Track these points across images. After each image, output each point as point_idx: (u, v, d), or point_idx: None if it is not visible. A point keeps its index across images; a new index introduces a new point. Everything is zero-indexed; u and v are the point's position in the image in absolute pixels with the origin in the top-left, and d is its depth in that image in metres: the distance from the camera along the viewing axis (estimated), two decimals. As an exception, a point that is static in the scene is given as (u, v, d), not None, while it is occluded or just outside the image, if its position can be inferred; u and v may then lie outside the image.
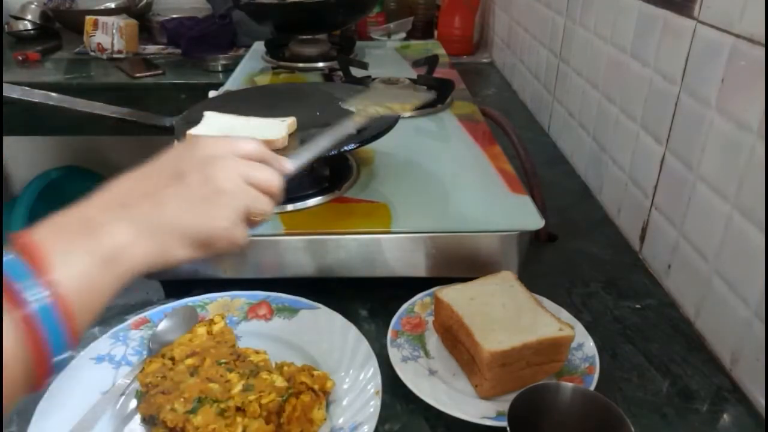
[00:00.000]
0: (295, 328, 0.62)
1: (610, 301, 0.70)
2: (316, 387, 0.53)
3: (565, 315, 0.62)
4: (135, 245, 0.35)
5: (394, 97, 0.72)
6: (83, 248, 0.33)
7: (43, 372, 0.32)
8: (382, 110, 0.63)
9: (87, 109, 0.75)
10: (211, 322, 0.61)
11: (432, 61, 1.14)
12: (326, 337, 0.60)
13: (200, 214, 0.38)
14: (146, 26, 1.84)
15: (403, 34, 1.81)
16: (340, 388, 0.55)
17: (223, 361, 0.55)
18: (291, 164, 0.46)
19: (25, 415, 0.51)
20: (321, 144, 0.52)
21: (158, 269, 0.37)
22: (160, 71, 1.54)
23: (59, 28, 1.90)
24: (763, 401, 0.55)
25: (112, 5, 1.90)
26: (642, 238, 0.78)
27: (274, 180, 0.43)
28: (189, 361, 0.55)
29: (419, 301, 0.64)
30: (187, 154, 0.40)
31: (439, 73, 1.14)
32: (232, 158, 0.41)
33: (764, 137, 0.54)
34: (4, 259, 0.31)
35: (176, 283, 0.69)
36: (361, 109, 0.62)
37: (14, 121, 1.43)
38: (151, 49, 1.75)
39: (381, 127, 0.68)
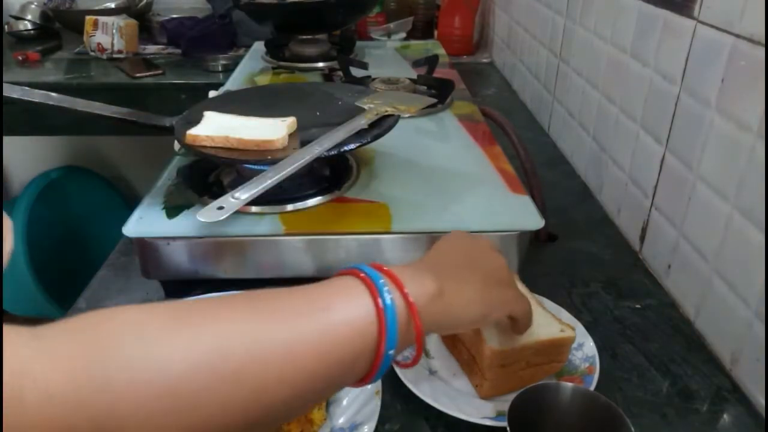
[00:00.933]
0: (295, 328, 0.62)
1: (610, 301, 0.70)
2: (316, 387, 0.53)
3: (565, 315, 0.62)
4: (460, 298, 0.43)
5: (400, 99, 0.77)
6: (420, 282, 0.41)
7: (377, 360, 0.37)
8: (390, 110, 0.71)
9: (87, 109, 0.75)
10: (211, 322, 0.60)
11: (432, 61, 1.14)
12: (326, 337, 0.60)
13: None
14: (146, 26, 1.83)
15: (403, 34, 1.81)
16: (340, 388, 0.55)
17: (223, 361, 0.55)
18: None
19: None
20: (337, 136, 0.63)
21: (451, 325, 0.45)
22: (160, 71, 1.54)
23: (59, 28, 1.90)
24: (763, 401, 0.55)
25: (112, 5, 1.90)
26: (642, 238, 0.78)
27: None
28: (189, 361, 0.55)
29: (419, 301, 0.64)
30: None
31: (439, 73, 1.13)
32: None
33: (764, 137, 0.54)
34: (367, 268, 0.40)
35: (176, 283, 0.69)
36: (373, 107, 0.71)
37: (14, 121, 1.43)
38: (151, 49, 1.75)
39: (381, 127, 0.68)
